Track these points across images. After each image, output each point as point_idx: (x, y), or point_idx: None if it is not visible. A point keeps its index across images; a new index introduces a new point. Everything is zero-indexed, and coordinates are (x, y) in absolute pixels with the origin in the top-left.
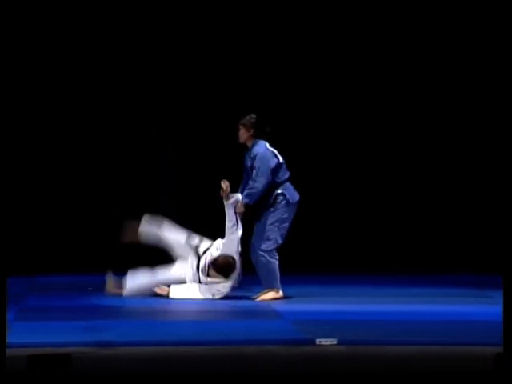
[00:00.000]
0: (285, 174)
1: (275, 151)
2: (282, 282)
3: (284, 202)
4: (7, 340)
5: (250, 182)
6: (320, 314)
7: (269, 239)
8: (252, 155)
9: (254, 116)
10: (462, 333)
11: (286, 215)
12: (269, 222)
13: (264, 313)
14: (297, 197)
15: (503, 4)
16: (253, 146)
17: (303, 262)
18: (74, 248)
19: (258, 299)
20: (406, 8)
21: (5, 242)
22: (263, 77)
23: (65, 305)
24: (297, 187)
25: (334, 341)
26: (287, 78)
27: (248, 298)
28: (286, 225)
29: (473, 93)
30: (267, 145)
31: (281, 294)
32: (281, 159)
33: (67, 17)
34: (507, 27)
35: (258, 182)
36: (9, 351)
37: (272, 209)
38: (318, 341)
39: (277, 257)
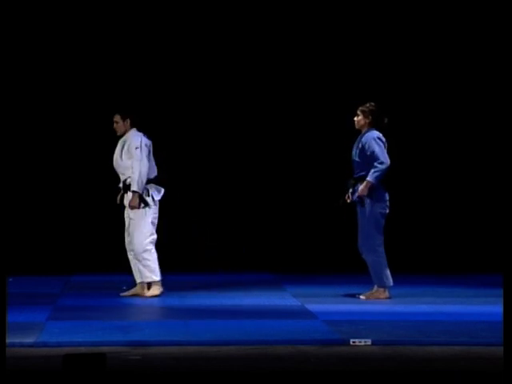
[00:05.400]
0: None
1: (385, 143)
2: (315, 283)
3: (376, 196)
4: (42, 339)
5: (377, 164)
6: (354, 314)
7: (369, 237)
8: (364, 141)
9: (373, 104)
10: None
11: (378, 211)
12: (366, 220)
13: (298, 313)
14: (386, 195)
15: (503, 4)
16: (366, 132)
17: (333, 263)
18: (109, 247)
19: (363, 298)
20: (405, 9)
21: (5, 242)
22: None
23: (99, 304)
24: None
25: (368, 341)
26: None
27: (355, 296)
28: (382, 221)
29: (473, 94)
30: (381, 134)
31: (387, 294)
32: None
33: (66, 20)
34: (507, 27)
35: (385, 164)
36: (44, 350)
37: (366, 205)
38: (351, 341)
39: (382, 254)
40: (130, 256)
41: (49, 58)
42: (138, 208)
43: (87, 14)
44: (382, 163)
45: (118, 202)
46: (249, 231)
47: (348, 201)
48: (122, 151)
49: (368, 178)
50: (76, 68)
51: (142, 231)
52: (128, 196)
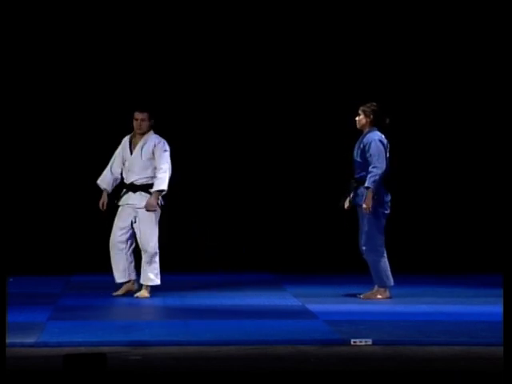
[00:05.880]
0: (386, 170)
1: (387, 144)
2: (316, 283)
3: (378, 199)
4: (43, 339)
5: (371, 169)
6: (354, 314)
7: (370, 237)
8: (365, 142)
9: (375, 104)
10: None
11: (380, 212)
12: (367, 220)
13: (298, 313)
14: (388, 196)
15: (503, 4)
16: (368, 132)
17: (334, 262)
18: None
19: (363, 298)
20: (405, 9)
21: (5, 242)
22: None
23: (100, 304)
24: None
25: (368, 341)
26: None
27: (355, 295)
28: (383, 221)
29: (474, 95)
30: (383, 136)
31: (387, 294)
32: (388, 154)
33: (65, 19)
34: (507, 27)
35: (379, 168)
36: (45, 350)
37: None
38: (352, 341)
39: (383, 254)
40: (122, 253)
41: (49, 60)
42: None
43: (94, 15)
44: (375, 167)
45: (119, 202)
46: (249, 231)
47: (346, 205)
48: (141, 150)
49: (367, 184)
50: (73, 68)
51: (155, 233)
52: (136, 195)
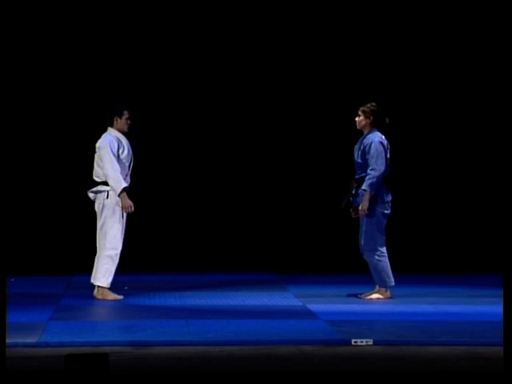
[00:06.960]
0: (386, 172)
1: (388, 145)
2: (317, 283)
3: (378, 199)
4: (44, 339)
5: (369, 171)
6: (355, 314)
7: (371, 238)
8: (366, 143)
9: (374, 104)
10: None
11: (380, 212)
12: (367, 220)
13: (300, 313)
14: (389, 196)
15: (503, 4)
16: (368, 133)
17: (335, 263)
18: None
19: (364, 298)
20: (405, 9)
21: (5, 242)
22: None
23: (101, 304)
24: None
25: (370, 341)
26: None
27: (356, 296)
28: (384, 221)
29: (473, 94)
30: (383, 136)
31: (388, 294)
32: (388, 155)
33: (64, 20)
34: (507, 27)
35: (377, 170)
36: (46, 350)
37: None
38: (353, 341)
39: (384, 254)
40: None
41: (42, 70)
42: None
43: (86, 15)
44: (373, 170)
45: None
46: (249, 231)
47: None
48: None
49: (363, 187)
50: (70, 71)
51: None
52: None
